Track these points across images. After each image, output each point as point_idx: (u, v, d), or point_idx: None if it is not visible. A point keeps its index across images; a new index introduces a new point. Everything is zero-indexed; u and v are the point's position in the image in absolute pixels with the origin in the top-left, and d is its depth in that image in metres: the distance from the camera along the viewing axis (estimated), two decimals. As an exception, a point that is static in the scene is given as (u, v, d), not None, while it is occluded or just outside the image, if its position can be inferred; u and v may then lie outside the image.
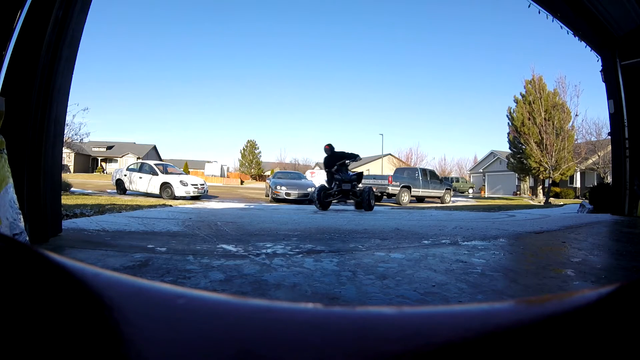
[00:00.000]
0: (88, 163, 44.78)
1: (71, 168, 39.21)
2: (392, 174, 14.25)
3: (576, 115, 19.80)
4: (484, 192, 33.15)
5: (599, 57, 6.23)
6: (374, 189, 7.85)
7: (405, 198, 12.96)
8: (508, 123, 23.32)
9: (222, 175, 42.12)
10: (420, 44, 72.74)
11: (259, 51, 74.32)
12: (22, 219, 2.01)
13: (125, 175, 11.96)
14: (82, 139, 16.25)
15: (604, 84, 6.23)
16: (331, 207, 7.86)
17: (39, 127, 2.56)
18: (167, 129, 77.20)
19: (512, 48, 66.14)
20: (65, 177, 16.61)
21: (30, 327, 0.19)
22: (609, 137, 6.73)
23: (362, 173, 8.37)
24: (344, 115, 77.17)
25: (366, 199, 7.34)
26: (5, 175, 1.94)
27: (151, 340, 0.18)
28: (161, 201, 8.44)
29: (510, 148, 24.41)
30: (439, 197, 14.88)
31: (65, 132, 4.63)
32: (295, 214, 5.74)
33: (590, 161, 21.97)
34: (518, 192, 29.60)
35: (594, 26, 5.61)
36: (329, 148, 7.86)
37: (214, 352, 0.17)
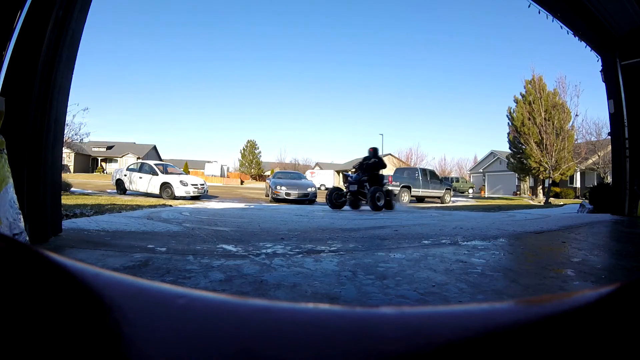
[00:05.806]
0: (88, 163, 44.76)
1: (71, 168, 39.17)
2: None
3: (576, 115, 19.79)
4: (484, 192, 33.12)
5: (599, 57, 6.23)
6: (385, 189, 7.99)
7: (405, 198, 12.96)
8: (508, 123, 23.30)
9: (222, 175, 42.08)
10: (421, 44, 72.81)
11: (259, 52, 74.35)
12: (22, 219, 2.01)
13: (125, 175, 11.94)
14: (82, 139, 16.24)
15: (604, 84, 6.23)
16: (346, 207, 7.81)
17: (39, 127, 2.56)
18: (167, 129, 77.12)
19: (512, 48, 66.09)
20: (65, 177, 16.59)
21: (31, 327, 0.19)
22: (609, 137, 6.73)
23: (378, 174, 8.05)
24: (345, 115, 77.11)
25: (369, 199, 7.35)
26: (5, 175, 1.94)
27: (151, 340, 0.18)
28: (161, 201, 8.43)
29: (510, 148, 24.39)
30: (439, 197, 14.88)
31: (65, 132, 4.63)
32: (295, 214, 5.74)
33: (590, 161, 21.95)
34: (518, 192, 29.57)
35: (594, 26, 5.61)
36: (372, 151, 8.09)
37: (214, 352, 0.17)
